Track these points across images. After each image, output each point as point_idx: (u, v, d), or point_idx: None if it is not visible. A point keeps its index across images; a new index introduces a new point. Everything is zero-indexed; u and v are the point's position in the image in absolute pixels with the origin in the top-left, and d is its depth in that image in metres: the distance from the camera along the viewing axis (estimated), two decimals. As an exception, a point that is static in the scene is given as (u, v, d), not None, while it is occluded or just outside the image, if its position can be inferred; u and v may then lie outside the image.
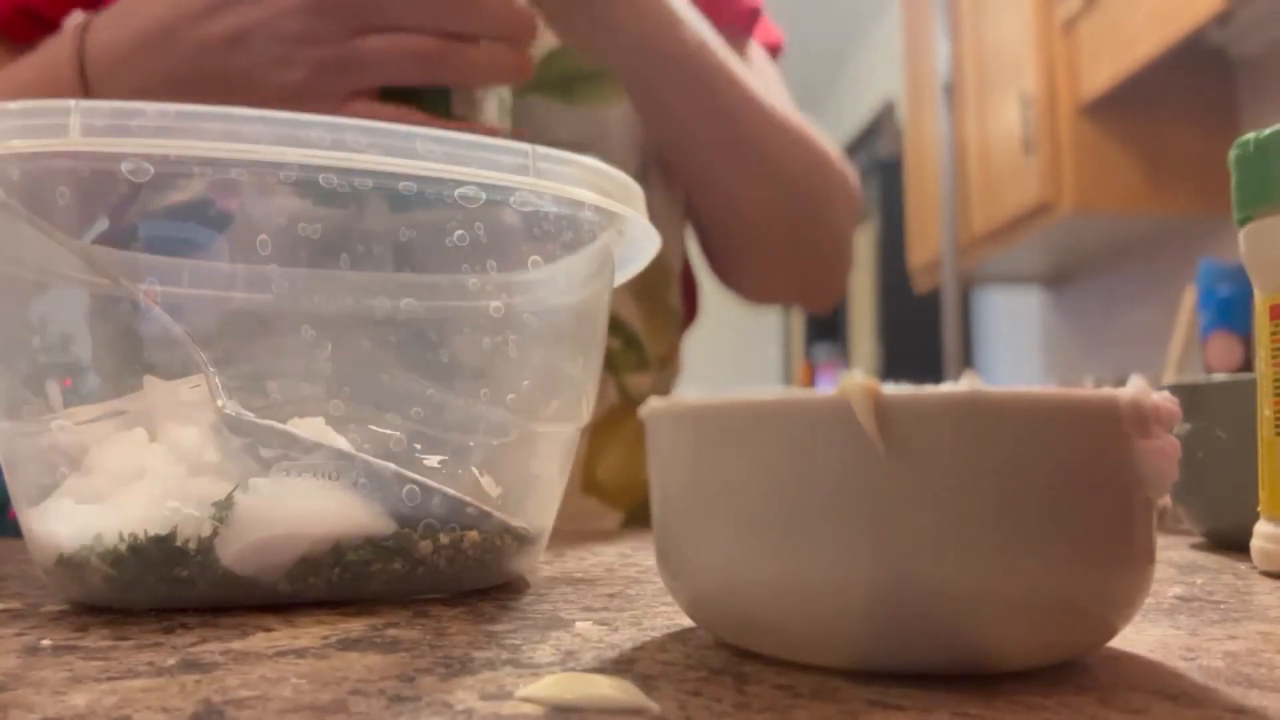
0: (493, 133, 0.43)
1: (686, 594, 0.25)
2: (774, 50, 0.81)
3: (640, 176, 0.61)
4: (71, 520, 0.29)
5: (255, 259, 0.30)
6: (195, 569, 0.29)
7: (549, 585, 0.34)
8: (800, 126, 0.68)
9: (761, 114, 0.64)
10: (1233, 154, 0.38)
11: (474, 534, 0.32)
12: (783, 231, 0.70)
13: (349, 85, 0.46)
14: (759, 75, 0.75)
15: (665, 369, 0.71)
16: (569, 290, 0.35)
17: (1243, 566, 0.39)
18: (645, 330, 0.67)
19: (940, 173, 2.55)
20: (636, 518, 0.68)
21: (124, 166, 0.28)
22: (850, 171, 0.74)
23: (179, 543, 0.29)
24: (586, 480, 0.65)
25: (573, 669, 0.23)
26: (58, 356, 0.31)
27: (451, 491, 0.31)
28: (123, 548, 0.29)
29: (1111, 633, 0.23)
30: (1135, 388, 0.22)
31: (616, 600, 0.31)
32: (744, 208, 0.68)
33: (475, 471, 0.33)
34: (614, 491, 0.67)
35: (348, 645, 0.25)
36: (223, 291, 0.30)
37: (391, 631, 0.27)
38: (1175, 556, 0.42)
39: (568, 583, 0.35)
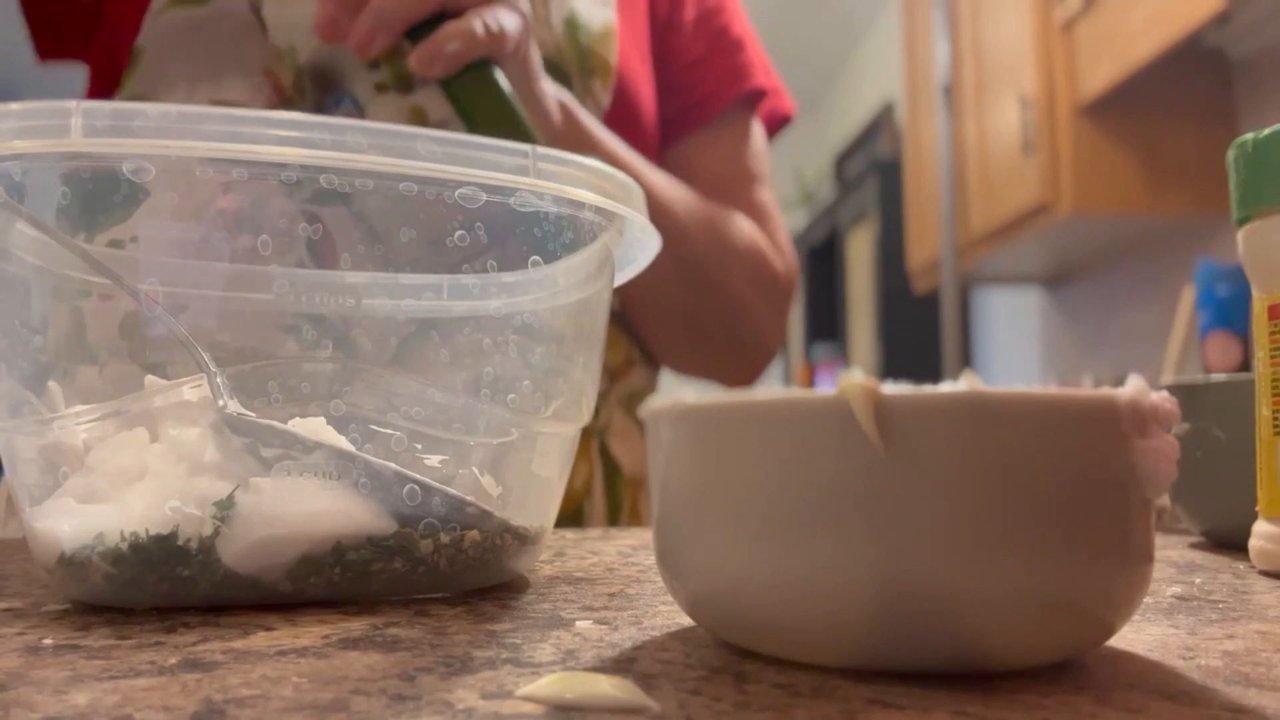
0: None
1: (686, 594, 0.25)
2: (784, 120, 0.82)
3: None
4: (73, 519, 0.29)
5: (255, 259, 0.30)
6: (196, 568, 0.29)
7: (549, 585, 0.35)
8: (699, 211, 0.69)
9: (650, 193, 0.65)
10: (1231, 154, 0.38)
11: (474, 533, 0.32)
12: (679, 311, 0.71)
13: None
14: (750, 146, 0.77)
15: (618, 382, 0.70)
16: (569, 290, 0.35)
17: (1241, 566, 0.39)
18: None
19: (939, 173, 2.55)
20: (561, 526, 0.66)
21: (125, 166, 0.28)
22: (773, 254, 0.75)
23: (180, 542, 0.29)
24: None
25: (573, 668, 0.23)
26: (58, 356, 0.31)
27: (452, 491, 0.31)
28: (124, 547, 0.29)
29: (1110, 632, 0.23)
30: (1134, 388, 0.22)
31: (616, 600, 0.31)
32: (636, 284, 0.70)
33: (475, 471, 0.33)
34: None
35: (349, 644, 0.25)
36: (223, 291, 0.30)
37: (392, 631, 0.27)
38: (1174, 556, 0.42)
39: (568, 582, 0.35)
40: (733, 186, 0.75)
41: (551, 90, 0.59)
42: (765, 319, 0.76)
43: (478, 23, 0.50)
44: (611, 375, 0.70)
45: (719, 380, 0.80)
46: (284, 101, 0.59)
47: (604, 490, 0.68)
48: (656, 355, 0.76)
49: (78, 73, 0.72)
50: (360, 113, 0.58)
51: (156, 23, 0.60)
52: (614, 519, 0.68)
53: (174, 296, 0.30)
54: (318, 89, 0.59)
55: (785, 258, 0.77)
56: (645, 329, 0.73)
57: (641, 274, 0.64)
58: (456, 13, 0.51)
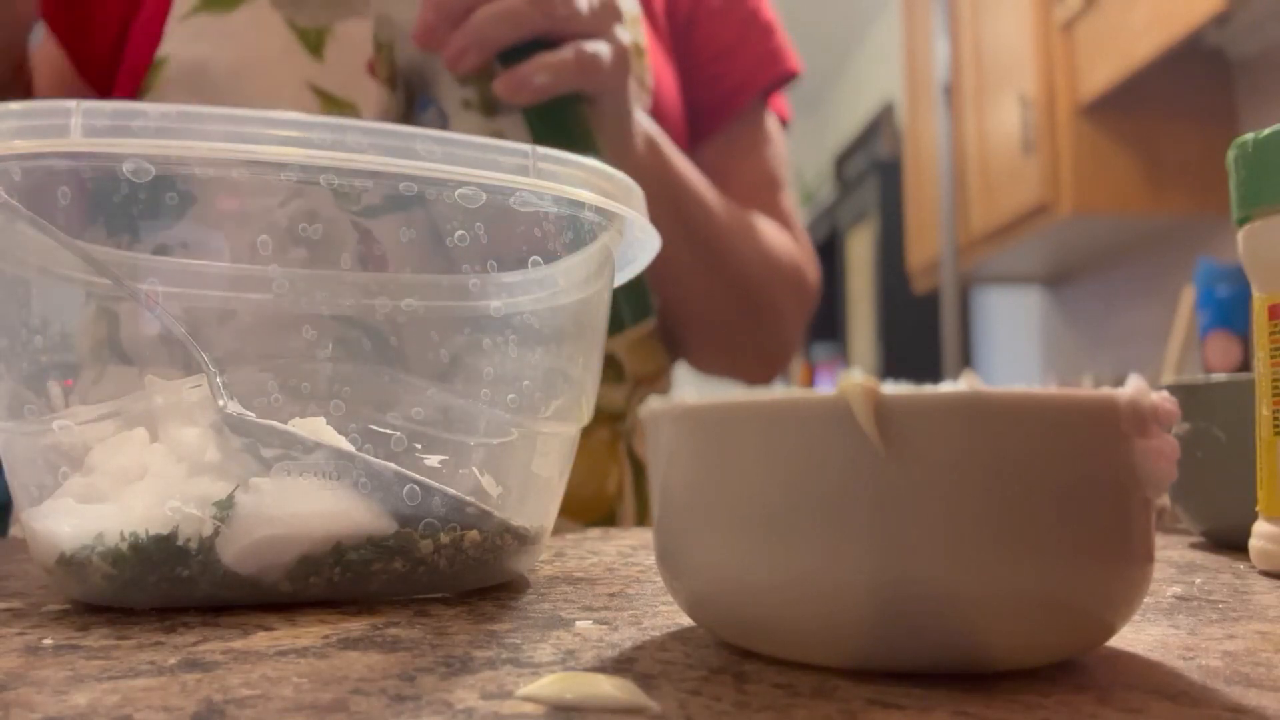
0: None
1: (686, 594, 0.25)
2: (781, 123, 0.84)
3: None
4: (72, 520, 0.29)
5: (255, 259, 0.30)
6: (196, 568, 0.29)
7: (549, 585, 0.35)
8: (752, 229, 0.72)
9: (716, 220, 0.68)
10: (1231, 154, 0.38)
11: (474, 533, 0.32)
12: (724, 324, 0.73)
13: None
14: (772, 148, 0.79)
15: (643, 388, 0.71)
16: (569, 290, 0.35)
17: (1241, 566, 0.39)
18: (623, 346, 0.68)
19: (940, 173, 2.55)
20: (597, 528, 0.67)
21: (125, 166, 0.28)
22: (806, 264, 0.77)
23: (180, 542, 0.29)
24: None
25: (573, 668, 0.23)
26: (58, 356, 0.31)
27: (452, 491, 0.31)
28: (124, 547, 0.29)
29: (1110, 632, 0.23)
30: (1134, 388, 0.22)
31: (616, 600, 0.31)
32: (690, 301, 0.72)
33: (475, 471, 0.33)
34: (578, 504, 0.65)
35: (349, 644, 0.25)
36: (223, 291, 0.30)
37: (392, 631, 0.27)
38: (1174, 556, 0.42)
39: (568, 582, 0.35)
40: (762, 194, 0.77)
41: (642, 123, 0.60)
42: (797, 328, 0.79)
43: (570, 56, 0.51)
44: (637, 381, 0.70)
45: (741, 379, 0.82)
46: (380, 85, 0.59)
47: (633, 491, 0.68)
48: (689, 359, 0.78)
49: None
50: (445, 121, 0.59)
51: (182, 29, 0.58)
52: (642, 518, 0.69)
53: (174, 296, 0.30)
54: (409, 88, 0.60)
55: (813, 266, 0.79)
56: (689, 339, 0.75)
57: (700, 298, 0.65)
58: (553, 41, 0.51)
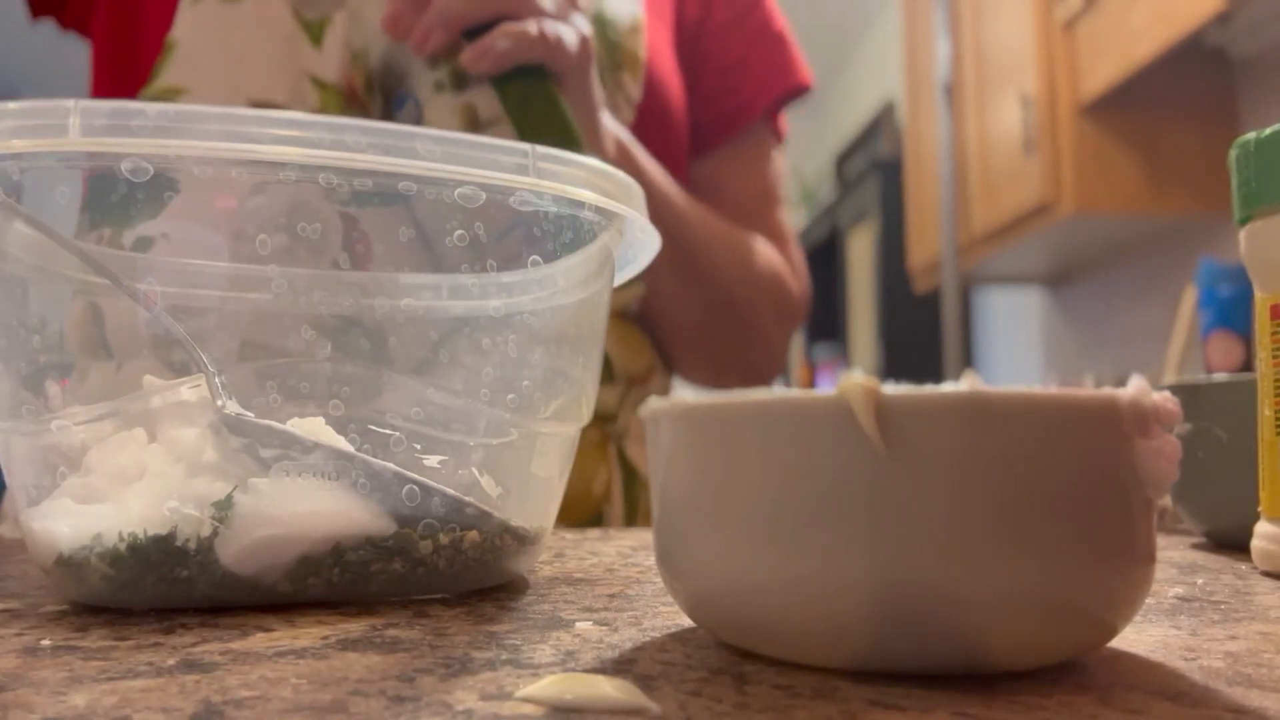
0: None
1: (686, 594, 0.25)
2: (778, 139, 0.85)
3: None
4: (71, 520, 0.29)
5: (255, 259, 0.30)
6: (195, 569, 0.29)
7: (549, 585, 0.34)
8: (733, 241, 0.72)
9: (691, 230, 0.68)
10: (1233, 154, 0.38)
11: (474, 534, 0.32)
12: (705, 337, 0.74)
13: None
14: (772, 164, 0.79)
15: (636, 388, 0.71)
16: (569, 290, 0.35)
17: (1243, 566, 0.39)
18: (615, 347, 0.68)
19: (940, 173, 2.55)
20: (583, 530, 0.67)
21: (124, 166, 0.28)
22: (790, 279, 0.78)
23: (178, 543, 0.29)
24: None
25: (573, 669, 0.23)
26: (56, 356, 0.31)
27: (451, 491, 0.31)
28: (122, 548, 0.29)
29: (1112, 633, 0.23)
30: (1135, 388, 0.22)
31: (616, 600, 0.31)
32: (669, 312, 0.72)
33: (475, 471, 0.33)
34: (563, 503, 0.65)
35: (348, 645, 0.25)
36: (223, 291, 0.30)
37: (391, 632, 0.27)
38: (1175, 556, 0.42)
39: (568, 583, 0.35)
40: (756, 209, 0.77)
41: (610, 126, 0.60)
42: (780, 342, 0.79)
43: (533, 27, 0.52)
44: (630, 380, 0.70)
45: (726, 389, 0.82)
46: (356, 103, 0.59)
47: (623, 494, 0.68)
48: (673, 366, 0.78)
49: (81, 73, 0.71)
50: (420, 112, 0.60)
51: (192, 13, 0.59)
52: (631, 522, 0.68)
53: (173, 297, 0.30)
54: (386, 89, 0.60)
55: (801, 281, 0.80)
56: (669, 346, 0.75)
57: (672, 304, 0.65)
58: (515, 19, 0.53)
